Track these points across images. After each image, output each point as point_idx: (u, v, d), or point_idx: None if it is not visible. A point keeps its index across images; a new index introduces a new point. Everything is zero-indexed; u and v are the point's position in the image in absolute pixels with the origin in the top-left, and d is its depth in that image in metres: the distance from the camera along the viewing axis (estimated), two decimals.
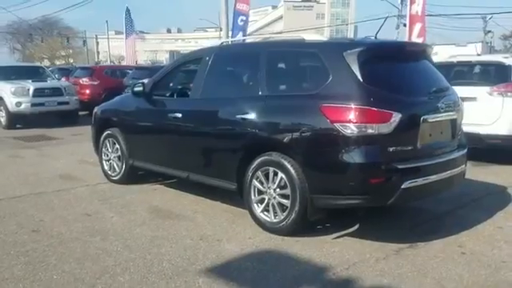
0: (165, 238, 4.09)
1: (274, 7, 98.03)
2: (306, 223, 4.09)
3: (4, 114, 11.99)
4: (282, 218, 4.10)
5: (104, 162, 6.20)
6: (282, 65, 4.44)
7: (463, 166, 4.44)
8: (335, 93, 3.83)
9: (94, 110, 6.51)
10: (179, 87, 5.51)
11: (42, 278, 3.28)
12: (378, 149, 3.71)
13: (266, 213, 4.24)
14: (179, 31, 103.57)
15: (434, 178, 3.98)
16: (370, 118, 3.66)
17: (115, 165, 6.02)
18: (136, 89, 5.47)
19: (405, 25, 28.72)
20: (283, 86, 4.33)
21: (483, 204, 5.26)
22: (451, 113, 4.27)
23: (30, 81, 12.31)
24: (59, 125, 12.20)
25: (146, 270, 3.43)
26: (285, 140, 4.04)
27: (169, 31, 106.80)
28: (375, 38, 4.44)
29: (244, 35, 18.28)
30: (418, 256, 3.75)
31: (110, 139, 6.04)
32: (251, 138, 4.30)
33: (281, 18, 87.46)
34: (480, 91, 7.15)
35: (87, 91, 14.74)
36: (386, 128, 3.68)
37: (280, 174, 4.07)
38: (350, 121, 3.67)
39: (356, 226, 4.42)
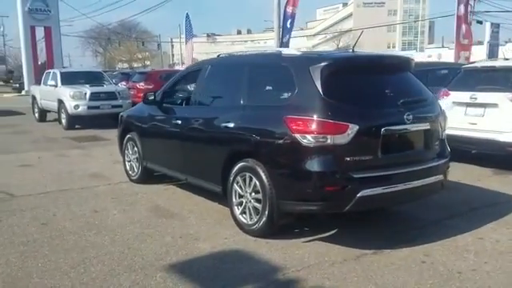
0: (150, 234, 4.51)
1: (345, 5, 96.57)
2: (276, 226, 4.33)
3: (64, 116, 13.18)
4: (256, 220, 4.37)
5: (126, 162, 6.79)
6: (259, 77, 4.69)
7: (440, 175, 4.46)
8: (298, 105, 4.06)
9: (120, 114, 7.13)
10: (183, 96, 5.93)
11: (29, 265, 3.80)
12: (334, 158, 3.89)
13: (243, 215, 4.53)
14: (249, 32, 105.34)
15: (397, 187, 4.07)
16: (326, 129, 3.85)
17: (134, 165, 6.58)
18: (149, 98, 6.00)
19: (481, 22, 27.43)
20: (259, 96, 4.58)
21: (479, 214, 5.16)
22: (422, 124, 4.33)
23: (88, 85, 13.42)
24: (112, 127, 13.14)
25: (118, 262, 3.85)
26: (257, 148, 4.33)
27: (239, 32, 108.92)
28: (352, 51, 4.58)
29: (289, 37, 18.53)
30: (376, 262, 3.86)
31: (131, 142, 6.61)
32: (232, 145, 4.62)
33: (350, 15, 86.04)
34: (501, 97, 6.92)
35: (142, 95, 15.67)
36: (342, 139, 3.85)
37: (254, 180, 4.34)
38: (307, 132, 3.89)
39: (333, 231, 4.59)
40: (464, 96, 7.27)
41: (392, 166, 4.12)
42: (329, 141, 3.85)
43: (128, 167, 6.74)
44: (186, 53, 24.12)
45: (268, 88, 4.58)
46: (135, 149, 6.49)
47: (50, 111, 14.74)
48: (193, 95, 5.45)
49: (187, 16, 24.32)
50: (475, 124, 7.10)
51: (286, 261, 3.90)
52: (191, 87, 5.61)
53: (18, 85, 37.33)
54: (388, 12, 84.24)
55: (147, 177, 6.42)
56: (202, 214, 5.13)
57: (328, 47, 77.32)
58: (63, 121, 13.32)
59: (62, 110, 13.25)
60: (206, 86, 5.29)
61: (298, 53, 4.59)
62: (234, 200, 4.63)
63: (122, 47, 74.07)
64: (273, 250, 4.12)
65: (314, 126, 3.88)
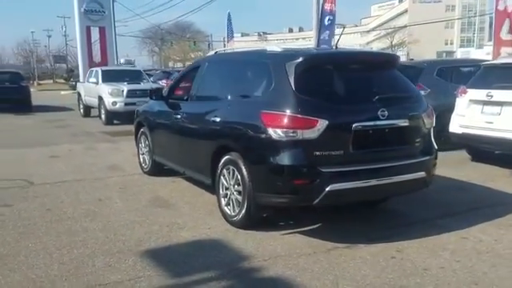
0: (140, 222, 4.76)
1: (400, 1, 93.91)
2: (255, 218, 4.45)
3: (103, 112, 13.86)
4: (237, 212, 4.51)
5: (140, 155, 7.14)
6: (244, 73, 4.83)
7: (421, 172, 4.40)
8: (273, 100, 4.18)
9: (136, 109, 7.49)
10: (184, 92, 6.16)
11: (21, 245, 4.15)
12: (303, 153, 3.97)
13: (228, 206, 4.69)
14: (301, 30, 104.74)
15: (370, 182, 4.08)
16: (295, 124, 3.94)
17: (146, 158, 6.90)
18: (154, 94, 6.31)
19: None
20: (243, 92, 4.71)
21: (476, 214, 5.01)
22: (400, 120, 4.31)
23: (126, 83, 14.03)
24: None
25: (100, 246, 4.12)
26: (239, 142, 4.47)
27: (290, 31, 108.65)
28: (336, 47, 4.61)
29: (330, 36, 18.39)
30: (345, 256, 3.90)
31: (143, 136, 6.94)
32: (219, 139, 4.78)
33: (406, 11, 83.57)
34: None
35: (180, 92, 16.19)
36: (311, 134, 3.92)
37: (236, 173, 4.48)
38: (278, 126, 4.00)
39: (316, 225, 4.66)
40: (480, 94, 7.01)
41: (365, 162, 4.13)
42: (298, 135, 3.93)
43: (141, 160, 7.08)
44: None
45: (251, 84, 4.69)
46: (147, 142, 6.81)
47: (93, 107, 15.53)
48: (191, 91, 5.67)
49: (229, 16, 24.71)
50: (491, 123, 6.84)
51: (257, 251, 4.02)
52: (192, 84, 5.82)
53: (74, 82, 39.35)
54: (446, 8, 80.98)
55: (157, 169, 6.70)
56: (196, 206, 5.33)
57: (381, 44, 75.69)
58: (102, 116, 14.01)
59: (102, 106, 13.96)
60: (202, 82, 5.49)
61: (280, 50, 4.68)
62: (220, 192, 4.80)
63: (175, 47, 76.03)
64: (249, 241, 4.24)
65: (284, 121, 3.98)
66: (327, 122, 3.94)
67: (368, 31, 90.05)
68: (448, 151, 8.38)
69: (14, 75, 19.05)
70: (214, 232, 4.49)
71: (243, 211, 4.41)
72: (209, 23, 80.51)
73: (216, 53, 5.80)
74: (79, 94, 16.80)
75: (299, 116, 3.94)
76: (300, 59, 4.19)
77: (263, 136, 4.11)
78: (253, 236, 4.36)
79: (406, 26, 71.50)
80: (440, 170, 6.86)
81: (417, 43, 69.76)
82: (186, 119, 5.47)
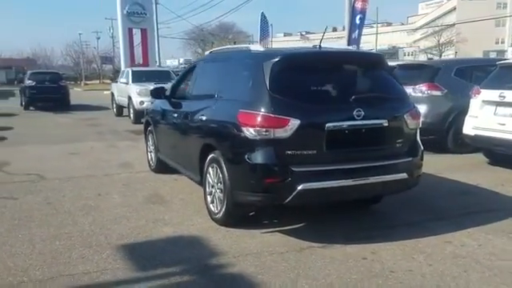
0: (128, 218, 4.90)
1: None
2: (235, 216, 4.50)
3: (132, 111, 14.27)
4: (219, 209, 4.57)
5: (148, 153, 7.33)
6: (229, 72, 4.87)
7: (403, 174, 4.30)
8: (250, 99, 4.22)
9: (146, 108, 7.70)
10: (182, 91, 6.26)
11: (11, 236, 4.37)
12: (275, 152, 3.98)
13: (212, 204, 4.75)
14: (344, 29, 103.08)
15: (343, 182, 4.03)
16: (267, 123, 3.96)
17: (152, 156, 7.08)
18: (154, 93, 6.47)
19: None
20: (227, 91, 4.75)
21: (470, 219, 4.82)
22: (377, 121, 4.24)
23: (154, 83, 14.35)
24: None
25: (82, 239, 4.28)
26: (220, 140, 4.53)
27: (335, 30, 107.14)
28: (319, 47, 4.56)
29: (359, 34, 18.09)
30: (315, 255, 3.89)
31: (150, 134, 7.13)
32: (205, 137, 4.85)
33: (454, 9, 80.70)
34: None
35: (180, 92, 16.49)
36: (283, 133, 3.93)
37: (218, 171, 4.54)
38: (252, 125, 4.03)
39: (300, 224, 4.66)
40: (493, 94, 6.73)
41: (339, 162, 4.09)
42: (270, 134, 3.95)
43: (149, 157, 7.27)
44: None
45: (234, 83, 4.72)
46: (153, 140, 6.99)
47: (124, 107, 16.01)
48: (187, 90, 5.79)
49: (262, 16, 24.71)
50: (504, 125, 6.56)
51: (230, 248, 4.06)
52: (189, 83, 5.93)
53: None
54: (497, 5, 77.60)
55: (163, 167, 6.83)
56: (189, 203, 5.43)
57: (429, 43, 73.54)
58: (131, 115, 14.43)
59: (131, 106, 14.37)
60: (196, 81, 5.60)
61: (262, 49, 4.70)
62: (207, 189, 4.87)
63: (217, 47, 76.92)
64: (226, 238, 4.29)
65: (257, 120, 4.00)
66: (299, 122, 3.93)
67: (415, 29, 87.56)
68: (466, 154, 8.13)
69: (54, 75, 20.00)
70: (196, 229, 4.57)
71: (223, 209, 4.47)
72: (250, 23, 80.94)
73: (211, 52, 5.88)
74: (112, 94, 17.38)
75: (271, 115, 3.95)
76: (276, 59, 4.20)
77: (239, 135, 4.15)
78: (232, 233, 4.40)
79: (453, 24, 69.10)
80: (451, 174, 6.72)
81: (465, 42, 67.32)
82: (180, 118, 5.59)
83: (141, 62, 36.40)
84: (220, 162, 4.47)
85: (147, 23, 35.83)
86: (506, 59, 8.85)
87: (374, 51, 22.28)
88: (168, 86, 7.08)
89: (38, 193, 5.92)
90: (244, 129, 4.08)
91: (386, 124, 4.25)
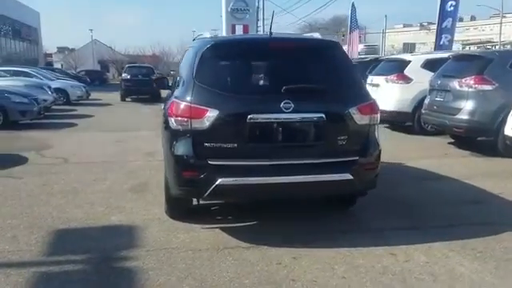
0: (93, 203, 4.97)
1: None
2: (174, 209, 4.38)
3: None
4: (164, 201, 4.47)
5: None
6: (183, 60, 4.71)
7: (345, 174, 3.77)
8: (181, 88, 4.04)
9: None
10: (175, 80, 6.20)
11: None
12: (193, 143, 3.75)
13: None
14: (472, 19, 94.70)
15: (267, 179, 3.68)
16: (185, 113, 3.75)
17: None
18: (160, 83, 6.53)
19: None
20: (180, 79, 4.57)
21: (449, 231, 4.16)
22: (311, 114, 3.77)
23: None
24: None
25: (32, 220, 4.43)
26: (163, 132, 4.40)
27: (460, 20, 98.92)
28: (270, 34, 4.16)
29: (453, 23, 16.40)
30: (229, 256, 3.63)
31: None
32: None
33: None
34: None
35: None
36: (200, 124, 3.68)
37: None
38: (174, 115, 3.86)
39: (253, 222, 4.42)
40: None
41: (264, 157, 3.73)
42: (188, 125, 3.72)
43: None
44: (349, 45, 23.41)
45: (182, 71, 4.54)
46: None
47: None
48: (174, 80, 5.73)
49: (352, 6, 23.63)
50: None
51: (154, 241, 3.93)
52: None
53: None
54: None
55: None
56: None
57: None
58: None
59: None
60: (179, 69, 5.49)
61: (207, 36, 4.45)
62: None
63: None
64: (161, 231, 4.16)
65: (178, 110, 3.82)
66: (217, 112, 3.65)
67: None
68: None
69: (147, 69, 21.39)
70: (143, 219, 4.49)
71: (165, 201, 4.36)
72: (364, 16, 78.36)
73: (194, 40, 5.72)
74: None
75: (189, 105, 3.73)
76: (206, 47, 3.99)
77: (167, 125, 4.00)
78: (171, 226, 4.26)
79: None
80: (479, 180, 5.84)
81: None
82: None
83: None
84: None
85: (249, 19, 36.56)
86: None
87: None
88: None
89: (45, 175, 6.32)
90: (169, 119, 3.91)
91: (323, 118, 3.75)
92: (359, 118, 3.87)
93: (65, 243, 3.92)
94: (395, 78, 9.93)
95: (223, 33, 37.00)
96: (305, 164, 3.74)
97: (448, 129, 7.94)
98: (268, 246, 3.78)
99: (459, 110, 7.30)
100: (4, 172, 6.35)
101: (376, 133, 4.08)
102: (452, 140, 8.80)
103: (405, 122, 10.24)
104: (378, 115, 4.02)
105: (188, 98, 3.77)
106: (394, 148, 8.48)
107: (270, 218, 4.48)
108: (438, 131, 8.86)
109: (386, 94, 9.91)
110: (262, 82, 3.99)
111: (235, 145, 3.70)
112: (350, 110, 3.85)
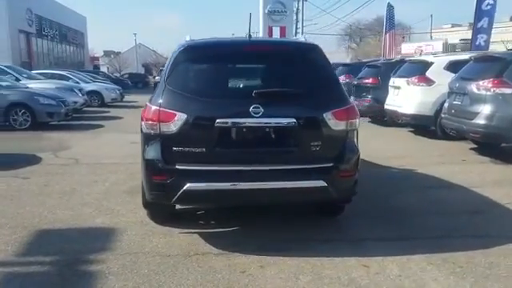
0: (85, 205, 5.03)
1: None
2: (152, 213, 4.38)
3: None
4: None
5: None
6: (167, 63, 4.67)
7: (319, 181, 3.64)
8: (156, 91, 3.98)
9: None
10: None
11: None
12: (161, 148, 3.73)
13: None
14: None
15: (237, 185, 3.61)
16: (154, 117, 3.74)
17: None
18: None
19: None
20: (159, 82, 4.56)
21: (443, 243, 3.95)
22: (281, 119, 3.66)
23: None
24: None
25: (20, 220, 4.53)
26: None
27: None
28: (248, 36, 4.07)
29: (490, 23, 15.65)
30: (196, 262, 3.57)
31: None
32: None
33: None
34: None
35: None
36: (168, 128, 3.66)
37: None
38: (145, 118, 3.85)
39: (231, 228, 4.34)
40: None
41: (233, 162, 3.65)
42: (157, 129, 3.71)
43: None
44: (384, 45, 22.78)
45: (161, 75, 4.52)
46: None
47: None
48: None
49: (389, 6, 22.98)
50: None
51: (128, 245, 3.93)
52: None
53: None
54: None
55: None
56: None
57: None
58: None
59: None
60: None
61: (187, 40, 4.39)
62: None
63: (371, 42, 74.49)
64: (138, 235, 4.15)
65: (148, 113, 3.82)
66: (185, 116, 3.61)
67: None
68: None
69: None
70: (126, 222, 4.50)
71: (143, 206, 4.37)
72: (409, 15, 75.12)
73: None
74: None
75: (158, 109, 3.71)
76: (179, 50, 3.99)
77: (141, 129, 3.99)
78: (150, 230, 4.25)
79: None
80: (490, 189, 5.61)
81: None
82: None
83: None
84: None
85: (286, 21, 36.39)
86: None
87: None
88: None
89: (51, 175, 6.47)
90: (141, 122, 3.91)
91: (294, 123, 3.62)
92: (334, 124, 3.71)
93: (41, 244, 3.98)
94: (416, 81, 9.60)
95: (260, 35, 37.08)
96: (276, 170, 3.64)
97: (465, 134, 7.55)
98: (239, 252, 3.70)
99: (476, 114, 6.92)
100: (12, 172, 6.55)
101: (355, 138, 3.91)
102: (474, 146, 8.38)
103: (428, 126, 9.86)
104: (357, 120, 3.85)
105: (158, 102, 3.75)
106: (411, 154, 8.21)
107: (252, 224, 4.40)
108: (460, 136, 8.45)
109: (407, 96, 9.59)
110: (233, 86, 3.93)
111: (204, 149, 3.64)
112: (324, 115, 3.70)
